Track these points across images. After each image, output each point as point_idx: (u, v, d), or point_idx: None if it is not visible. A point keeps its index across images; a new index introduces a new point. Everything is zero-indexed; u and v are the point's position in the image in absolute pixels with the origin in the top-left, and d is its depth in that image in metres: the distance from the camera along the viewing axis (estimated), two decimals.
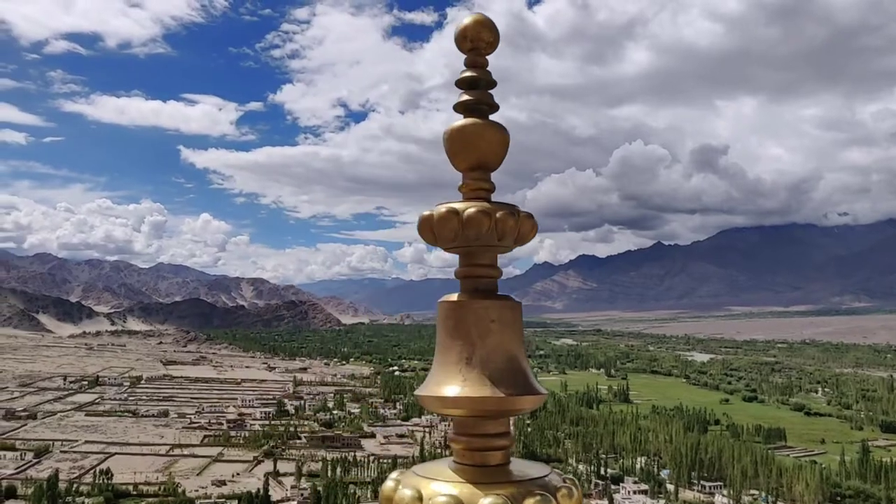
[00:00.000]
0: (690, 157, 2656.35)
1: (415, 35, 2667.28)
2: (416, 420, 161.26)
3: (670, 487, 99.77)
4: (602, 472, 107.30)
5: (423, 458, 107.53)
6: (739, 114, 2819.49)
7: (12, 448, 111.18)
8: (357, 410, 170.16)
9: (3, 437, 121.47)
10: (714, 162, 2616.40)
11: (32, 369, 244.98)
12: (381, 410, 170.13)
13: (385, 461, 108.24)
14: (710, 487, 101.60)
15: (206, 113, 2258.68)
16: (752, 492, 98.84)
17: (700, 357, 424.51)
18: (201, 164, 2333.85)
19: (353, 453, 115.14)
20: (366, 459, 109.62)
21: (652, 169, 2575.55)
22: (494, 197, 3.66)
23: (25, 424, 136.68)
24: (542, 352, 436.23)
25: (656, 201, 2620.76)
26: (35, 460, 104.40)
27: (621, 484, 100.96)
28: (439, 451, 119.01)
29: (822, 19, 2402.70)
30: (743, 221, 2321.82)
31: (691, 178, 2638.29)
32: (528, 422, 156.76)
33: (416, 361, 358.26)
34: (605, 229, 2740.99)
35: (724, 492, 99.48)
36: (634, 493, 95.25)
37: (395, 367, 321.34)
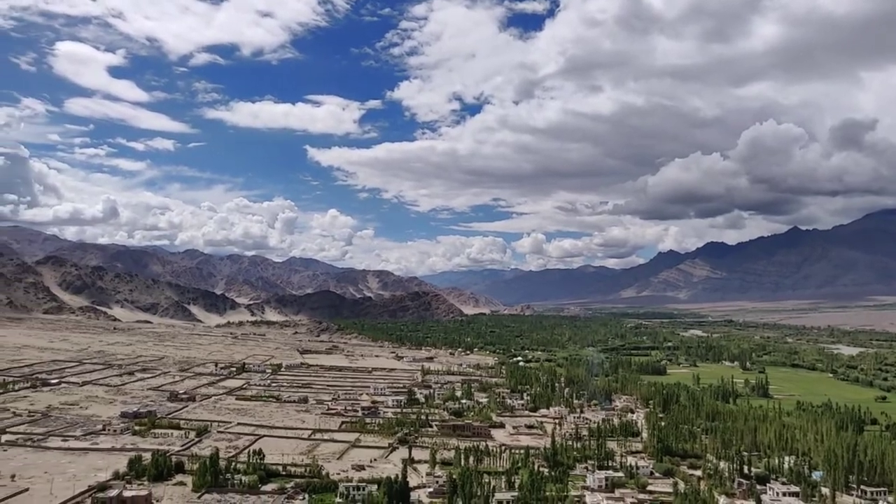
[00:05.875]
0: (830, 135, 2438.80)
1: (528, 24, 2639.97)
2: (543, 411, 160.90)
3: (825, 490, 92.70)
4: (745, 470, 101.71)
5: (554, 451, 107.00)
6: (888, 84, 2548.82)
7: (178, 427, 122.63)
8: (485, 400, 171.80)
9: (170, 416, 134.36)
10: (859, 138, 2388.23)
11: (189, 356, 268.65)
12: (509, 401, 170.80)
13: (517, 451, 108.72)
14: (872, 493, 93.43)
15: (330, 113, 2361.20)
16: None
17: (847, 350, 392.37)
18: (326, 163, 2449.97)
19: (483, 442, 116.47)
20: (497, 449, 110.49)
21: (786, 149, 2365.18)
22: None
23: (186, 406, 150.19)
24: (669, 343, 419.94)
25: (791, 183, 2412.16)
26: (197, 439, 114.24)
27: (768, 484, 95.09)
28: (570, 443, 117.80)
29: None
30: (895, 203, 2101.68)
31: (831, 158, 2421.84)
32: (660, 415, 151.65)
33: (539, 352, 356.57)
34: (734, 215, 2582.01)
35: (890, 498, 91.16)
36: (784, 494, 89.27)
37: (520, 358, 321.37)
